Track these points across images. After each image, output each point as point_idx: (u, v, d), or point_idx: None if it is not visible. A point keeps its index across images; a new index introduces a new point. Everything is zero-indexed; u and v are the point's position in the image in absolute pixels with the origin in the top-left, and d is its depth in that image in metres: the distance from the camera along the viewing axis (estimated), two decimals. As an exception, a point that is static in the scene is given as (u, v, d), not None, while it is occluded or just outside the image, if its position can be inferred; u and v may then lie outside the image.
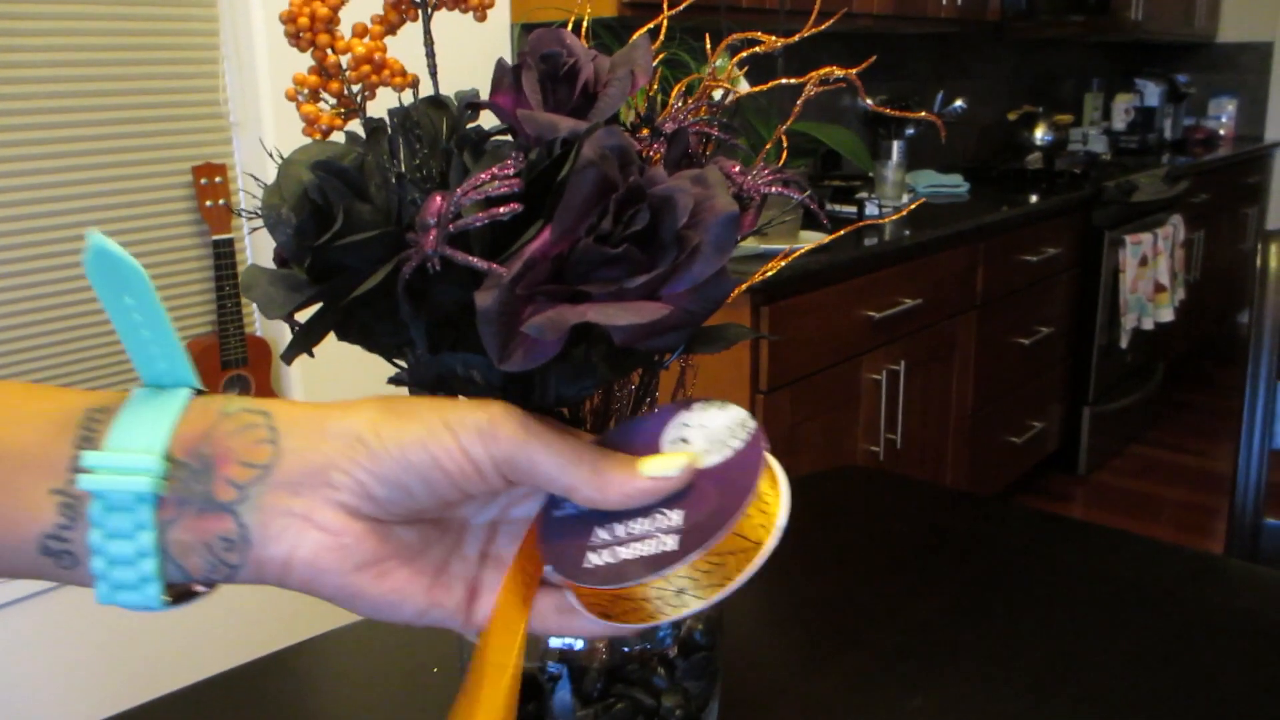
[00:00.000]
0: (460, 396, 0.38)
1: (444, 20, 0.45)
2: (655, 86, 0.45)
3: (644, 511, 0.37)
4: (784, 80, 0.52)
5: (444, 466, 0.35)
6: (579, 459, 0.37)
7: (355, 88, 0.44)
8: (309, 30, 0.43)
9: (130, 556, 0.34)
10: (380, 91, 0.45)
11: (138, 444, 0.34)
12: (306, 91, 0.44)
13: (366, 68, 0.44)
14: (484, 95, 0.43)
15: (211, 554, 0.34)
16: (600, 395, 0.48)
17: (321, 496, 0.35)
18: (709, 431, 0.38)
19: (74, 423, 0.35)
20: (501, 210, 0.36)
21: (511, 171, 0.37)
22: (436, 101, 0.43)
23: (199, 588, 0.36)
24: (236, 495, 0.34)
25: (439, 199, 0.37)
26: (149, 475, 0.34)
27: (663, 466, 0.37)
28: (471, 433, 0.35)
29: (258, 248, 1.77)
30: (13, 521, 0.34)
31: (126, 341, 0.36)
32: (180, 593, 0.36)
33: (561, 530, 0.38)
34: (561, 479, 0.36)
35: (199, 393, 0.37)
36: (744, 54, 0.50)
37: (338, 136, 0.44)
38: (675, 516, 0.37)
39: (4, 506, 0.34)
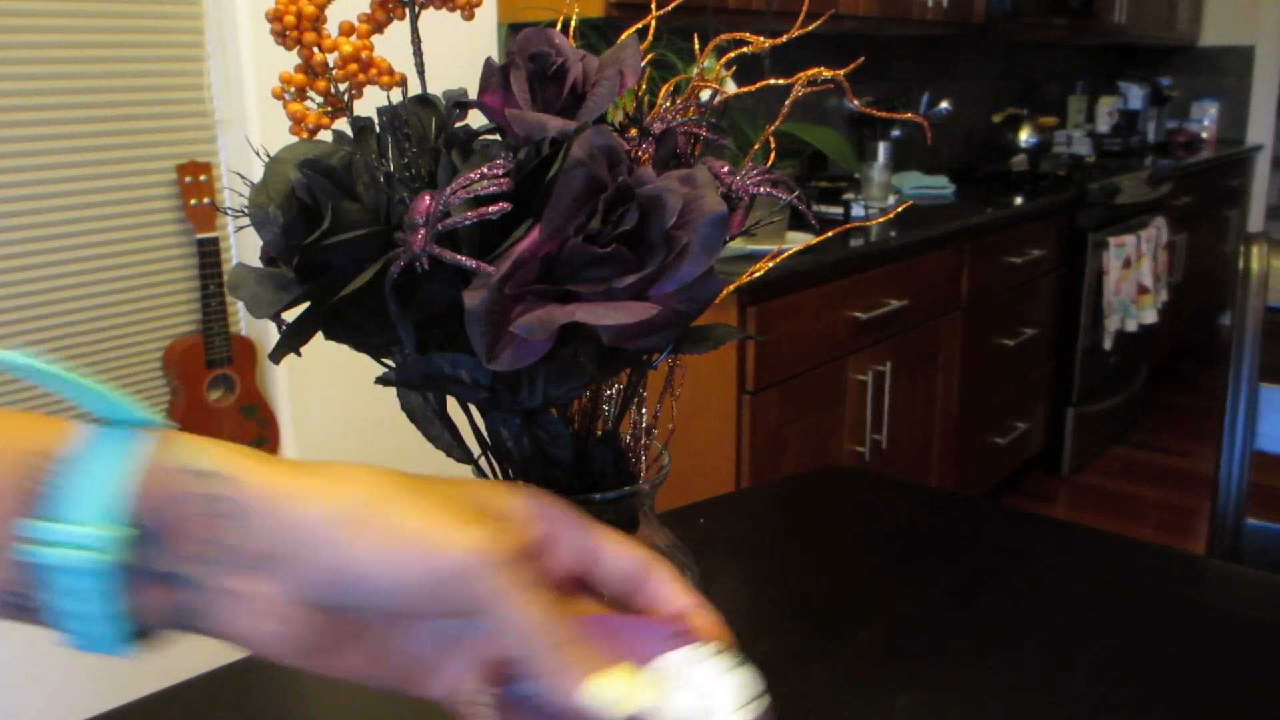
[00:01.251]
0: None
1: (431, 19, 0.45)
2: (643, 87, 0.45)
3: None
4: (771, 81, 0.52)
5: (404, 597, 0.33)
6: (551, 638, 0.34)
7: (342, 86, 0.44)
8: (295, 28, 0.43)
9: (95, 616, 0.32)
10: (367, 90, 0.45)
11: (94, 507, 0.32)
12: (293, 90, 0.44)
13: (353, 66, 0.43)
14: (472, 94, 0.43)
15: (174, 619, 0.33)
16: (589, 395, 0.48)
17: (278, 585, 0.33)
18: (701, 688, 0.35)
19: (22, 474, 0.32)
20: (490, 209, 0.36)
21: (500, 171, 0.37)
22: (424, 100, 0.43)
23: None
24: (194, 571, 0.33)
25: (427, 198, 0.37)
26: (103, 552, 0.31)
27: (611, 697, 0.34)
28: (446, 572, 0.33)
29: (243, 246, 1.76)
30: None
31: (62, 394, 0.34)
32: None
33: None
34: (523, 648, 0.34)
35: (152, 428, 0.34)
36: (731, 55, 0.50)
37: (325, 135, 0.44)
38: None
39: None
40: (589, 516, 0.37)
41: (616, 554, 0.37)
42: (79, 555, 0.31)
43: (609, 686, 0.34)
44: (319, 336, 0.41)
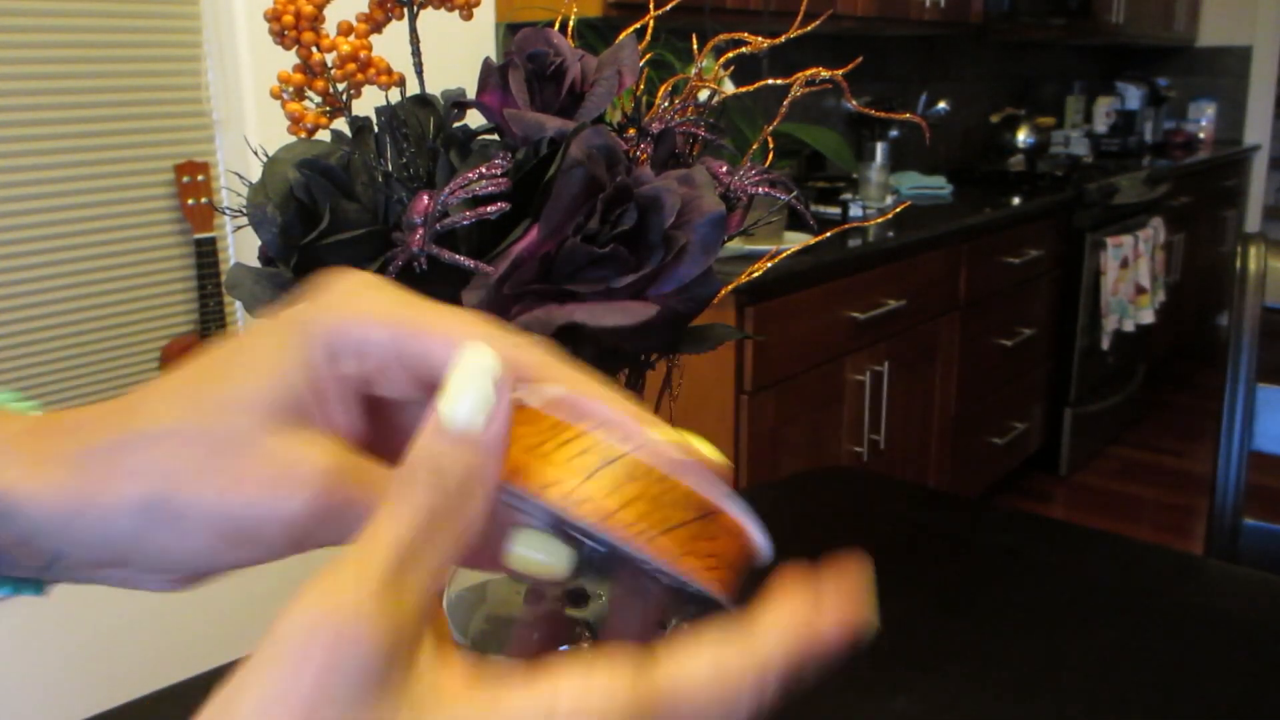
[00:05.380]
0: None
1: (429, 19, 0.45)
2: (641, 87, 0.45)
3: None
4: (769, 81, 0.52)
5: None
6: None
7: (340, 86, 0.44)
8: (294, 28, 0.43)
9: None
10: (366, 90, 0.45)
11: None
12: (291, 89, 0.44)
13: (352, 66, 0.43)
14: (470, 94, 0.43)
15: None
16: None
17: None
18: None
19: None
20: (489, 209, 0.36)
21: (498, 171, 0.37)
22: (423, 100, 0.43)
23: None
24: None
25: (426, 198, 0.37)
26: None
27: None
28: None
29: (241, 246, 1.76)
30: None
31: None
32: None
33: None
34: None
35: None
36: (729, 55, 0.50)
37: (323, 135, 0.44)
38: None
39: None
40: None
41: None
42: None
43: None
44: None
